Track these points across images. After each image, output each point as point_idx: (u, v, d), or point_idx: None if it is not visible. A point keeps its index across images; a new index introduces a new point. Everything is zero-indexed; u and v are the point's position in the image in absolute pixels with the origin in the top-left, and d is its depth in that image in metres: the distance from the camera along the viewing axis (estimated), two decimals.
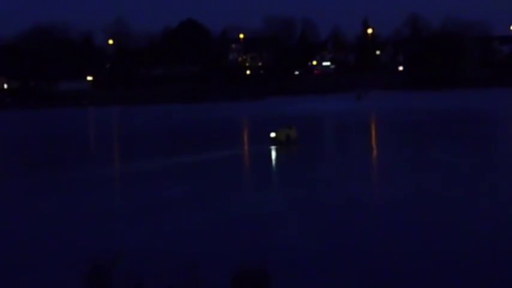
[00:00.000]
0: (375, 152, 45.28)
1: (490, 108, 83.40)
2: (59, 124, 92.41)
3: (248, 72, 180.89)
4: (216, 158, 43.67)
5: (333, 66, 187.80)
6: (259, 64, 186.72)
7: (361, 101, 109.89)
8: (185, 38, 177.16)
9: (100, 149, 56.93)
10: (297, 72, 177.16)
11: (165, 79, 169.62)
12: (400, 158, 41.41)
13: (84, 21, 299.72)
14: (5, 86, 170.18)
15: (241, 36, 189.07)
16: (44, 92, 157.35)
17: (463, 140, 50.22)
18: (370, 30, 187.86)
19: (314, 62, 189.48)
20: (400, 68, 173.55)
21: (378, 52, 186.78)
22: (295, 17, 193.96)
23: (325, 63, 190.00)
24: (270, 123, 64.88)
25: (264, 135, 52.13)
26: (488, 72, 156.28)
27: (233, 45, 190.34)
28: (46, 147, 59.36)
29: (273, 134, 50.34)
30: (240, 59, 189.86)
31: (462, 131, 57.50)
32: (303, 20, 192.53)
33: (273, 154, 45.21)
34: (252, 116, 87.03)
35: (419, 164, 38.45)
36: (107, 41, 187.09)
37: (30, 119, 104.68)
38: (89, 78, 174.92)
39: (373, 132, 61.43)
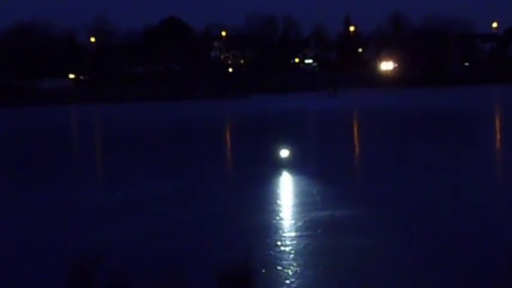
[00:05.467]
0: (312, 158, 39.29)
1: (472, 106, 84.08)
2: (40, 122, 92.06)
3: (230, 70, 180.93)
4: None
5: (315, 64, 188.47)
6: (242, 62, 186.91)
7: (332, 99, 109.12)
8: (167, 35, 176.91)
9: (79, 148, 56.65)
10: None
11: (147, 77, 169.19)
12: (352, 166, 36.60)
13: (66, 18, 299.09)
14: None
15: (224, 34, 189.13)
16: (26, 90, 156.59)
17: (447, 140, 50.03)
18: (352, 28, 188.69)
19: (296, 60, 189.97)
20: (382, 66, 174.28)
21: (360, 50, 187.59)
22: (277, 14, 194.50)
23: (307, 61, 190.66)
24: (261, 126, 63.89)
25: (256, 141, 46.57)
26: (470, 69, 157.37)
27: (215, 43, 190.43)
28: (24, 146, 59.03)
29: (285, 153, 34.30)
30: (222, 56, 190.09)
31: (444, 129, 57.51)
32: (285, 18, 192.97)
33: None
34: (238, 116, 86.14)
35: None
36: (89, 39, 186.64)
37: (12, 117, 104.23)
38: (71, 76, 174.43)
39: (332, 132, 58.77)
